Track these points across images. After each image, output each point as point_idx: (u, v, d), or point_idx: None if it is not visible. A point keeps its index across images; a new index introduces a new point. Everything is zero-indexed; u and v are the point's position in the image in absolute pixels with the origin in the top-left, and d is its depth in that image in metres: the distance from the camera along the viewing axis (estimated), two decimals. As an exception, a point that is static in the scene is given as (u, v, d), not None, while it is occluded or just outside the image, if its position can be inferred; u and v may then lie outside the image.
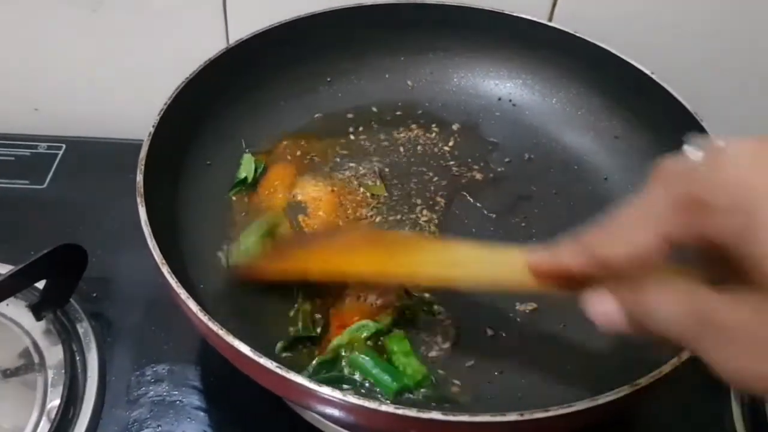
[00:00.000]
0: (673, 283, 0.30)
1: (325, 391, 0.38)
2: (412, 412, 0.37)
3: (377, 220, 0.58)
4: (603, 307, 0.33)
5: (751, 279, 0.27)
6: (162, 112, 0.54)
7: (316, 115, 0.67)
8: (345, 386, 0.47)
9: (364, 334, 0.49)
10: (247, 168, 0.61)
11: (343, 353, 0.49)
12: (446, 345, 0.50)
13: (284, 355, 0.49)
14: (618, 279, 0.32)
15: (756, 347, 0.27)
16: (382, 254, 0.47)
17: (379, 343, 0.50)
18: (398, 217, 0.59)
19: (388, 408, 0.37)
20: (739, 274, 0.28)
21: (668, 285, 0.30)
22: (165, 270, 0.43)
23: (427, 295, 0.53)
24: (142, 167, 0.50)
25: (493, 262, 0.41)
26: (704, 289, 0.29)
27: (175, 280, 0.43)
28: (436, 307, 0.52)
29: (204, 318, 0.41)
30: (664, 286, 0.30)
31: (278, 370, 0.39)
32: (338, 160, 0.63)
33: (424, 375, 0.47)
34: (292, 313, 0.51)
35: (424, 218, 0.59)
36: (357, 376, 0.48)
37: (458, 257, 0.43)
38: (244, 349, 0.40)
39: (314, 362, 0.48)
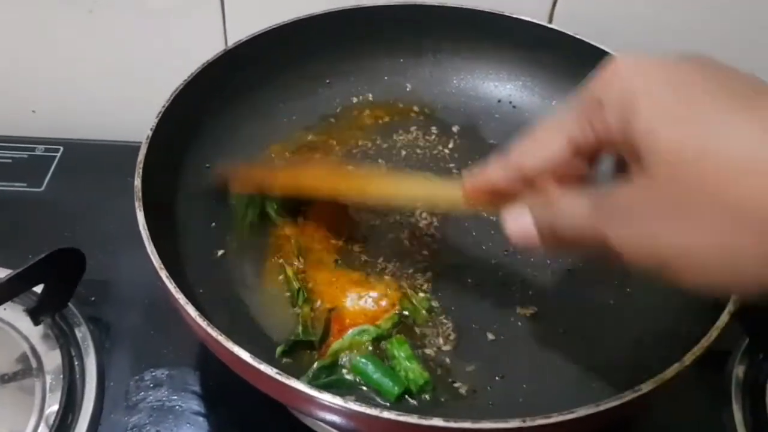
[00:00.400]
0: (577, 189, 0.35)
1: (326, 397, 0.38)
2: (413, 419, 0.37)
3: (377, 222, 0.58)
4: (519, 221, 0.37)
5: (639, 165, 0.30)
6: (160, 115, 0.54)
7: (315, 117, 0.66)
8: (344, 391, 0.47)
9: (365, 339, 0.49)
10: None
11: (343, 357, 0.48)
12: (447, 348, 0.50)
13: (284, 360, 0.49)
14: (535, 193, 0.36)
15: (645, 218, 0.30)
16: (342, 178, 0.55)
17: (380, 347, 0.49)
18: (397, 218, 0.59)
19: (389, 414, 0.37)
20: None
21: (573, 190, 0.35)
22: (164, 275, 0.43)
23: (425, 296, 0.52)
24: (140, 171, 0.49)
25: (435, 187, 0.48)
26: (603, 188, 0.33)
27: (174, 285, 0.43)
28: (436, 307, 0.52)
29: (203, 323, 0.41)
30: (569, 191, 0.35)
31: (278, 377, 0.38)
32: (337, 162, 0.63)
33: (426, 380, 0.47)
34: (291, 318, 0.51)
35: (424, 221, 0.58)
36: (357, 380, 0.48)
37: (406, 182, 0.52)
38: (244, 355, 0.39)
39: (314, 366, 0.48)
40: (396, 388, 0.46)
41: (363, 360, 0.48)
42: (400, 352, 0.48)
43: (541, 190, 0.36)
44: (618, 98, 0.32)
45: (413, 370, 0.47)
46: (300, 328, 0.50)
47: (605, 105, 0.33)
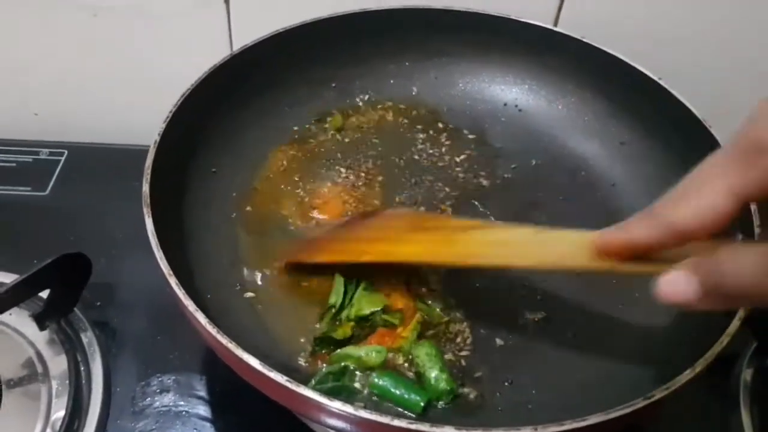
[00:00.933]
0: (745, 245, 0.33)
1: (336, 405, 0.37)
2: (425, 427, 0.37)
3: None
4: (676, 282, 0.33)
5: None
6: (168, 120, 0.54)
7: (322, 121, 0.66)
8: (350, 397, 0.47)
9: (374, 359, 0.48)
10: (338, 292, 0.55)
11: (351, 367, 0.48)
12: (465, 353, 0.50)
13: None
14: (692, 251, 0.34)
15: None
16: (430, 239, 0.48)
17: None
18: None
19: (400, 423, 0.37)
20: None
21: (741, 246, 0.33)
22: (173, 282, 0.43)
23: (431, 303, 0.52)
24: (149, 177, 0.49)
25: (549, 244, 0.42)
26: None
27: (183, 291, 0.43)
28: (452, 315, 0.52)
29: (213, 331, 0.41)
30: (738, 248, 0.32)
31: (288, 384, 0.38)
32: (343, 166, 0.63)
33: (452, 387, 0.46)
34: (300, 324, 0.51)
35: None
36: (363, 389, 0.48)
37: (510, 239, 0.44)
38: (253, 362, 0.39)
39: (323, 371, 0.48)
40: (421, 400, 0.46)
41: (380, 378, 0.47)
42: (431, 358, 0.47)
43: (698, 247, 0.33)
44: None
45: (445, 380, 0.46)
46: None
47: None
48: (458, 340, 0.50)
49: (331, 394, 0.38)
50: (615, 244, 0.37)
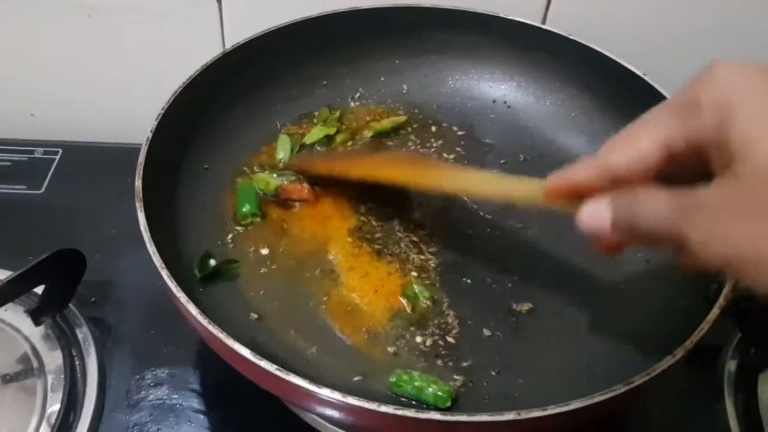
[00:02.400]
0: (664, 188, 0.34)
1: (325, 392, 0.38)
2: (410, 413, 0.37)
3: (372, 222, 0.59)
4: (595, 211, 0.37)
5: (727, 170, 0.31)
6: (160, 117, 0.54)
7: (313, 119, 0.67)
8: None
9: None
10: (283, 148, 0.63)
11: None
12: (451, 340, 0.51)
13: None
14: (618, 189, 0.36)
15: (730, 219, 0.30)
16: (417, 169, 0.56)
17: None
18: (391, 218, 0.59)
19: (387, 409, 0.37)
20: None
21: (660, 188, 0.34)
22: (165, 274, 0.44)
23: (427, 287, 0.53)
24: (141, 172, 0.50)
25: (509, 182, 0.49)
26: (687, 188, 0.33)
27: (175, 284, 0.43)
28: (438, 300, 0.53)
29: (204, 321, 0.41)
30: (656, 189, 0.34)
31: (278, 373, 0.39)
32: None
33: (451, 393, 0.47)
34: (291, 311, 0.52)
35: (420, 220, 0.59)
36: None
37: (479, 177, 0.52)
38: (244, 351, 0.40)
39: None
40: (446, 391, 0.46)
41: (405, 375, 0.47)
42: (420, 383, 0.47)
43: (627, 188, 0.36)
44: (717, 101, 0.32)
45: (442, 389, 0.47)
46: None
47: (703, 106, 0.33)
48: (446, 330, 0.51)
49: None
50: (561, 186, 0.40)
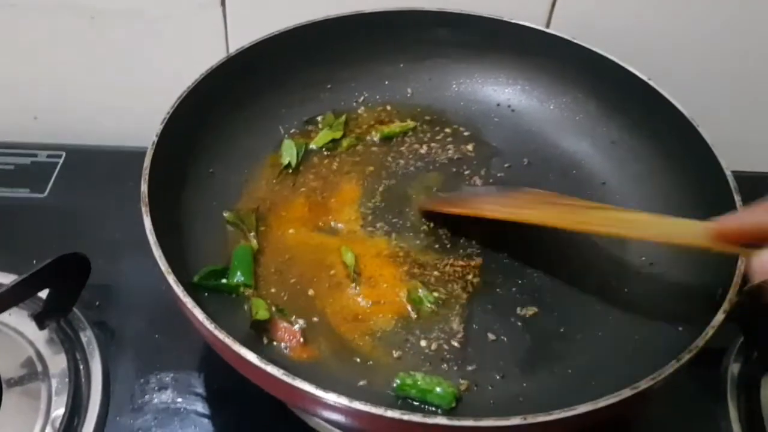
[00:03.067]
0: None
1: (332, 397, 0.38)
2: (417, 417, 0.37)
3: (377, 225, 0.59)
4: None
5: None
6: (165, 121, 0.54)
7: (318, 123, 0.67)
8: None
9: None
10: (289, 153, 0.63)
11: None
12: (457, 347, 0.51)
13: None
14: None
15: None
16: (556, 211, 0.53)
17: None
18: (398, 221, 0.59)
19: (393, 413, 0.37)
20: None
21: None
22: (171, 279, 0.44)
23: (430, 300, 0.53)
24: (147, 176, 0.50)
25: (666, 225, 0.47)
26: None
27: (182, 288, 0.43)
28: (442, 305, 0.53)
29: (210, 326, 0.41)
30: None
31: (285, 378, 0.39)
32: (337, 166, 0.64)
33: (455, 392, 0.47)
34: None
35: (424, 225, 0.59)
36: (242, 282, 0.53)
37: (631, 218, 0.50)
38: (251, 356, 0.40)
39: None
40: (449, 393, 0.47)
41: (409, 379, 0.47)
42: (425, 384, 0.47)
43: None
44: None
45: (447, 388, 0.47)
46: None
47: None
48: (451, 334, 0.51)
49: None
50: (736, 230, 0.39)
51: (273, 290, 0.54)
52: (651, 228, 0.48)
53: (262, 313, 0.50)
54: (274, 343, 0.50)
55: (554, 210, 0.53)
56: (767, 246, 0.37)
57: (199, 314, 0.42)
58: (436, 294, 0.54)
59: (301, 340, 0.50)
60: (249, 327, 0.50)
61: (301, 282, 0.55)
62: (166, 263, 0.45)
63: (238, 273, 0.53)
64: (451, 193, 0.61)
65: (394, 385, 0.47)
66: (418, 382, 0.47)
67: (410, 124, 0.68)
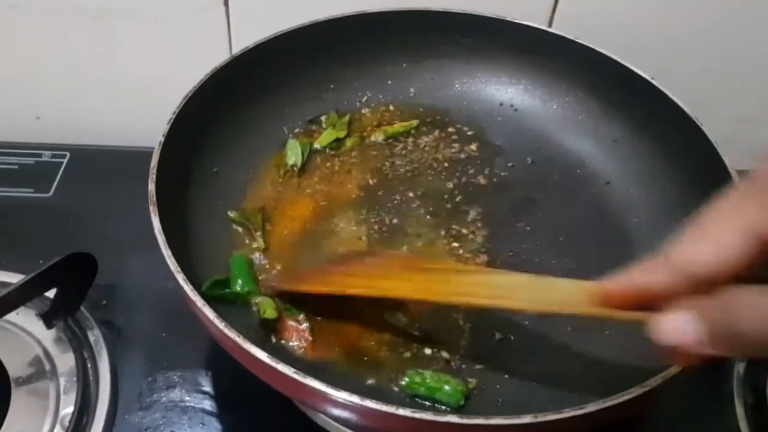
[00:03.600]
0: (760, 287, 0.29)
1: (343, 395, 0.39)
2: (428, 416, 0.38)
3: (382, 224, 0.59)
4: (678, 324, 0.31)
5: None
6: (171, 121, 0.55)
7: (321, 123, 0.67)
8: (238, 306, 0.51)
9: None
10: (294, 153, 0.63)
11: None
12: (465, 347, 0.51)
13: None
14: (699, 293, 0.31)
15: None
16: (424, 281, 0.48)
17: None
18: (402, 221, 0.60)
19: (404, 412, 0.38)
20: None
21: (756, 288, 0.29)
22: (180, 278, 0.44)
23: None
24: (154, 176, 0.50)
25: (547, 290, 0.42)
26: None
27: (191, 287, 0.44)
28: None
29: (220, 325, 0.42)
30: (752, 289, 0.29)
31: (296, 376, 0.39)
32: (340, 165, 0.65)
33: (464, 389, 0.47)
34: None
35: (428, 220, 0.60)
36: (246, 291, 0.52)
37: (508, 284, 0.44)
38: (261, 355, 0.40)
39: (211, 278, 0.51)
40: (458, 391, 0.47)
41: (418, 377, 0.48)
42: (433, 382, 0.48)
43: (708, 290, 0.30)
44: None
45: (456, 386, 0.47)
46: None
47: None
48: (459, 333, 0.52)
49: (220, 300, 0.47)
50: (625, 293, 0.35)
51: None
52: (532, 295, 0.43)
53: (270, 312, 0.50)
54: (283, 341, 0.50)
55: (424, 279, 0.47)
56: (662, 309, 0.32)
57: (209, 313, 0.42)
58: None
59: (310, 338, 0.50)
60: (257, 326, 0.50)
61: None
62: (175, 262, 0.45)
63: (239, 282, 0.53)
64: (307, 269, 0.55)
65: (403, 383, 0.48)
66: (427, 380, 0.47)
67: (413, 123, 0.68)
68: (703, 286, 0.30)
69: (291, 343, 0.50)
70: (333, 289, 0.50)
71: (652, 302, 0.33)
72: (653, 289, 0.33)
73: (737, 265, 0.30)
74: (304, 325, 0.51)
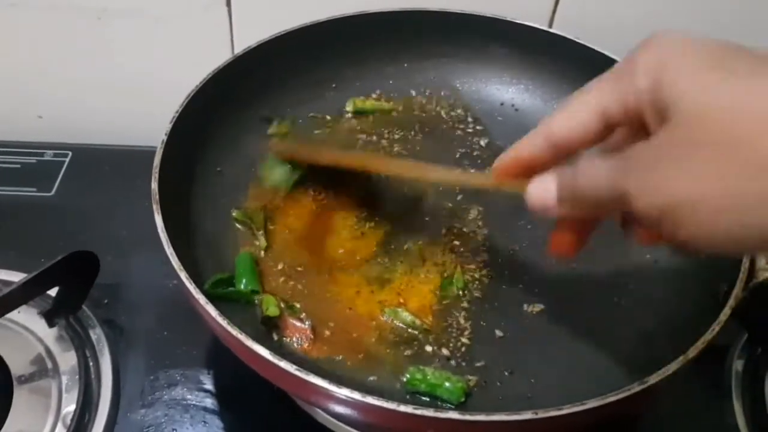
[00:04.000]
0: (606, 154, 0.35)
1: (344, 392, 0.39)
2: (429, 412, 0.38)
3: (382, 221, 0.59)
4: (541, 186, 0.38)
5: (663, 125, 0.32)
6: (174, 120, 0.55)
7: (322, 121, 0.68)
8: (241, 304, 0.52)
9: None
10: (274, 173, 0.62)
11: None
12: (466, 344, 0.51)
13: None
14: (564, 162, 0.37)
15: (663, 163, 0.31)
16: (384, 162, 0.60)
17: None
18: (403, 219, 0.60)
19: (406, 408, 0.38)
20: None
21: (598, 155, 0.35)
22: (183, 276, 0.44)
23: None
24: (157, 175, 0.51)
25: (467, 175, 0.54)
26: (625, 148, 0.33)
27: (194, 285, 0.44)
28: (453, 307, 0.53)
29: (224, 323, 0.42)
30: (595, 156, 0.35)
31: (298, 373, 0.39)
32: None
33: (464, 386, 0.47)
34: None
35: (427, 217, 0.60)
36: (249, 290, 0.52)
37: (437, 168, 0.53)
38: (264, 352, 0.41)
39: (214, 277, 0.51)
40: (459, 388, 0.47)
41: (419, 374, 0.48)
42: (435, 379, 0.48)
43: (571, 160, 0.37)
44: (651, 63, 0.33)
45: (456, 383, 0.47)
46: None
47: (639, 70, 0.33)
48: (459, 331, 0.52)
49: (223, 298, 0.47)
50: (509, 164, 0.41)
51: (282, 287, 0.54)
52: (453, 176, 0.53)
53: (272, 309, 0.51)
54: (285, 339, 0.50)
55: (380, 161, 0.60)
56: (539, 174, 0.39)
57: (212, 311, 0.43)
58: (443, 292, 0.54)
59: (311, 336, 0.50)
60: (260, 323, 0.50)
61: (309, 279, 0.55)
62: (178, 261, 0.45)
63: (244, 281, 0.53)
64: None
65: (404, 379, 0.48)
66: (428, 377, 0.47)
67: (386, 104, 0.69)
68: (563, 154, 0.37)
69: (293, 341, 0.50)
70: (318, 158, 0.60)
71: (533, 171, 0.39)
72: (528, 157, 0.39)
73: (590, 136, 0.36)
74: (306, 323, 0.51)
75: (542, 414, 0.38)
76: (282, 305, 0.52)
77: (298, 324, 0.51)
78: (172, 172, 0.53)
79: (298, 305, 0.52)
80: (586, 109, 0.36)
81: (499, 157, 0.42)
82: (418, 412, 0.38)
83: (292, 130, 0.66)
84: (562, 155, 0.38)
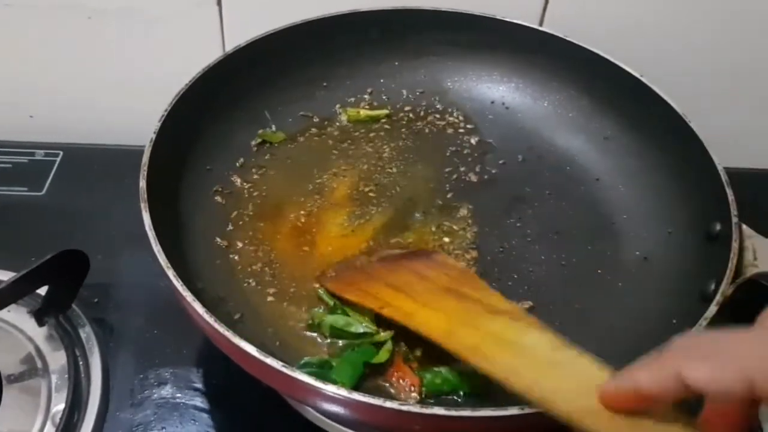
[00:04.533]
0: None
1: (331, 389, 0.39)
2: (415, 408, 0.38)
3: (370, 217, 0.59)
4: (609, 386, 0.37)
5: None
6: (163, 118, 0.55)
7: (313, 120, 0.68)
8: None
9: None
10: None
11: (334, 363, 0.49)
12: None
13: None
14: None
15: None
16: (453, 314, 0.46)
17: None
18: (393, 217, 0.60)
19: (392, 405, 0.38)
20: None
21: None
22: (171, 274, 0.44)
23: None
24: (145, 173, 0.51)
25: (561, 371, 0.40)
26: None
27: (181, 283, 0.44)
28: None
29: (210, 320, 0.42)
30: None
31: (284, 369, 0.39)
32: (333, 164, 0.65)
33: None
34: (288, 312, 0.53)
35: (418, 215, 0.60)
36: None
37: (528, 346, 0.42)
38: (250, 349, 0.41)
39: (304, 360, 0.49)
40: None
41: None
42: (448, 378, 0.48)
43: None
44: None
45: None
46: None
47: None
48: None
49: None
50: (619, 395, 0.37)
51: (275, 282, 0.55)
52: (541, 373, 0.40)
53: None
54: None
55: (450, 314, 0.46)
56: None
57: (199, 307, 0.43)
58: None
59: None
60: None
61: (304, 275, 0.55)
62: (165, 258, 0.45)
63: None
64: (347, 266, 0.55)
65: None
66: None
67: (382, 111, 0.69)
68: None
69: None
70: (372, 303, 0.49)
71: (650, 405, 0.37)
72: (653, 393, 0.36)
73: (670, 397, 0.35)
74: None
75: (528, 410, 0.38)
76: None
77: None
78: (162, 171, 0.53)
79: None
80: (667, 377, 0.34)
81: (610, 383, 0.37)
82: (404, 408, 0.38)
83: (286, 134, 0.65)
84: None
